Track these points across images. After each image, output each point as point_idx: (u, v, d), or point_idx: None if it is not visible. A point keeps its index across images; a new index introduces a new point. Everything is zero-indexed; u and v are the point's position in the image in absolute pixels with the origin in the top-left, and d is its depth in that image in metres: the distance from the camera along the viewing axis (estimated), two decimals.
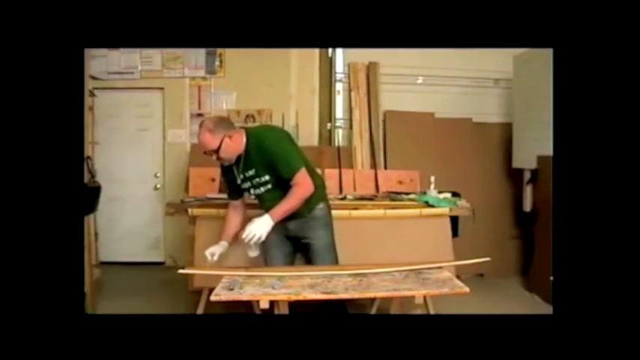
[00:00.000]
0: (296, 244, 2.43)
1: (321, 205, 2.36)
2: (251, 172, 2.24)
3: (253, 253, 2.26)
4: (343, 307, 2.42)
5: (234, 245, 2.39)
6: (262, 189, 2.25)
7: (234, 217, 2.39)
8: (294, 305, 1.94)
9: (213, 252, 2.26)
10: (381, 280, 1.96)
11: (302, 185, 2.18)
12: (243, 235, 2.11)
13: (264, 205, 2.28)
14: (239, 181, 2.29)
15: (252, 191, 2.29)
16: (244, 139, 2.22)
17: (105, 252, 4.73)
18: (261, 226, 2.11)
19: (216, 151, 2.16)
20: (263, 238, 2.12)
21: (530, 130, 4.03)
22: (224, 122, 2.25)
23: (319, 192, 2.34)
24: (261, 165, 2.20)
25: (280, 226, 2.23)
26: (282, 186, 2.20)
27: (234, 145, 2.20)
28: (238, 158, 2.23)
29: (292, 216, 2.24)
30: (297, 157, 2.22)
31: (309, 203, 2.27)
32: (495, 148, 4.64)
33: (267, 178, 2.22)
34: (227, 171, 2.33)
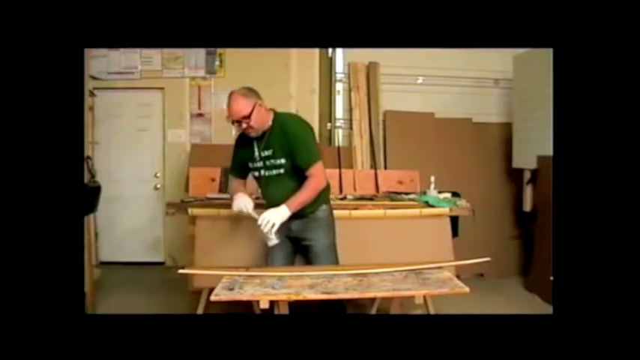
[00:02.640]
0: (296, 245, 2.42)
1: (324, 207, 2.37)
2: (268, 153, 2.24)
3: (272, 241, 2.22)
4: (342, 307, 2.42)
5: (233, 245, 2.39)
6: (274, 171, 2.25)
7: (240, 185, 2.39)
8: (293, 305, 1.94)
9: (245, 204, 2.22)
10: (381, 280, 1.96)
11: (317, 176, 2.20)
12: (259, 222, 2.12)
13: (267, 191, 2.28)
14: (256, 156, 2.27)
15: (262, 172, 2.29)
16: (272, 117, 2.25)
17: (105, 252, 4.74)
18: (276, 215, 2.12)
19: (248, 116, 2.15)
20: (277, 226, 2.12)
21: (530, 130, 4.03)
22: (255, 91, 2.25)
23: (324, 194, 2.35)
24: (281, 147, 2.21)
25: (283, 225, 2.23)
26: (293, 175, 2.22)
27: (265, 115, 2.22)
28: (262, 134, 2.24)
29: (296, 216, 2.24)
30: (317, 150, 2.25)
31: (313, 204, 2.28)
32: (495, 148, 4.65)
33: (282, 161, 2.22)
34: (245, 145, 2.31)
